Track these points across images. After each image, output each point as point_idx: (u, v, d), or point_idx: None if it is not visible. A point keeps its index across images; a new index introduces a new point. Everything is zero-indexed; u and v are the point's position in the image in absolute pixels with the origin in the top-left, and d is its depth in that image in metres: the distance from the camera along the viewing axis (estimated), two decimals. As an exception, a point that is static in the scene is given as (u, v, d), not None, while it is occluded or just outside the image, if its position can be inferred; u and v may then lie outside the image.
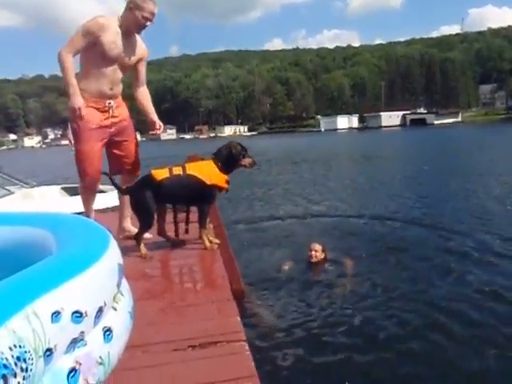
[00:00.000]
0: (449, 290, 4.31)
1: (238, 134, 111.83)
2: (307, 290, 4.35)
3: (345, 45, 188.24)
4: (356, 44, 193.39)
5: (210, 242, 3.03)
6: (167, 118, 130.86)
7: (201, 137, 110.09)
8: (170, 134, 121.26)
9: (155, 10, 2.94)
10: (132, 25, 2.89)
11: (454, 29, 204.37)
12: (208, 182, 3.06)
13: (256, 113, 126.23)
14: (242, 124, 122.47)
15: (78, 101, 2.74)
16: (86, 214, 3.05)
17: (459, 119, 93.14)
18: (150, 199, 3.00)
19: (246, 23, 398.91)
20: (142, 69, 3.27)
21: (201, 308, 1.99)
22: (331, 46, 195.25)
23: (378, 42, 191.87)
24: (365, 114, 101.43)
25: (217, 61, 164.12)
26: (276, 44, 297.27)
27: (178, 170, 3.12)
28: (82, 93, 2.79)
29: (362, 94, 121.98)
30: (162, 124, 3.47)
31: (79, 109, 2.73)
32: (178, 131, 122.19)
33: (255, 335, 3.25)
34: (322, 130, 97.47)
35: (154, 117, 3.41)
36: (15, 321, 0.78)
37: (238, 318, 1.79)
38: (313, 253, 4.83)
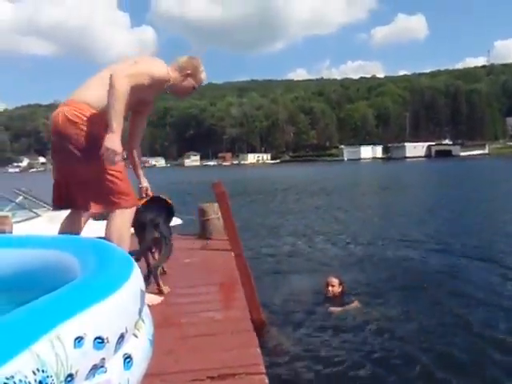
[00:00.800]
0: (477, 330, 4.16)
1: (260, 161, 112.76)
2: (325, 323, 4.26)
3: (369, 75, 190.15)
4: (380, 75, 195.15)
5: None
6: (191, 145, 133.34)
7: (224, 164, 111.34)
8: (194, 160, 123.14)
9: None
10: (180, 89, 2.56)
11: (479, 61, 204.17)
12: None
13: (279, 141, 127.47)
14: (265, 152, 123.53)
15: (119, 144, 2.14)
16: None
17: (486, 151, 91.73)
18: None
19: (271, 53, 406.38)
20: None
21: (220, 338, 1.96)
22: (355, 76, 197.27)
23: (402, 73, 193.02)
24: (389, 145, 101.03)
25: (242, 90, 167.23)
26: (300, 74, 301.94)
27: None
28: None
29: (386, 124, 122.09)
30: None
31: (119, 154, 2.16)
32: (202, 158, 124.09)
33: (275, 367, 3.19)
34: (345, 159, 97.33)
35: (142, 180, 2.87)
36: (39, 345, 0.79)
37: (258, 350, 1.76)
38: (330, 288, 4.76)
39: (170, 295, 2.56)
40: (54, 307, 0.92)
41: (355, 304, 4.65)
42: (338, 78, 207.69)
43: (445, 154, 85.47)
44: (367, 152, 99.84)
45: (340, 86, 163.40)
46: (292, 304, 4.75)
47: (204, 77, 2.63)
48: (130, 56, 2.55)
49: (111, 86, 2.12)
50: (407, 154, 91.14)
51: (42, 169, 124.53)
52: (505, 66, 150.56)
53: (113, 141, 2.09)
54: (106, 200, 2.23)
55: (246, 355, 1.72)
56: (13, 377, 0.70)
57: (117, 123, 2.11)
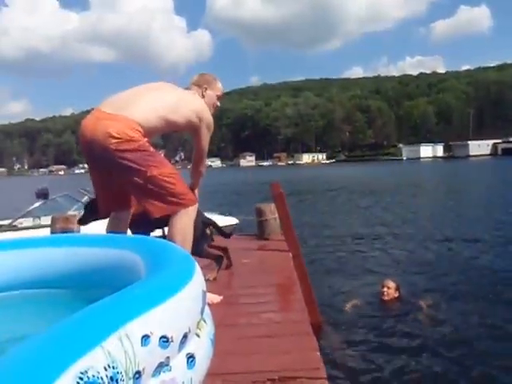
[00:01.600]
0: None
1: (316, 161, 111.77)
2: (381, 327, 4.18)
3: (429, 71, 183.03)
4: (441, 70, 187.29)
5: None
6: (247, 146, 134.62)
7: (279, 164, 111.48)
8: (250, 160, 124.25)
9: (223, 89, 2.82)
10: (209, 105, 2.67)
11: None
12: None
13: (335, 141, 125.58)
14: (320, 152, 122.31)
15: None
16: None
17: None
18: None
19: (326, 52, 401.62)
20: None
21: (279, 340, 1.95)
22: (414, 72, 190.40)
23: (465, 67, 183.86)
24: (451, 143, 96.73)
25: (296, 89, 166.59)
26: (356, 72, 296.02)
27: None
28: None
29: (447, 121, 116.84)
30: None
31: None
32: (257, 158, 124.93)
33: (333, 372, 3.15)
34: (404, 158, 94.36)
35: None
36: (110, 341, 0.81)
37: (319, 354, 1.73)
38: (385, 290, 4.64)
39: (228, 295, 2.59)
40: (122, 306, 0.95)
41: (411, 311, 4.53)
42: (396, 74, 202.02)
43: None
44: (427, 151, 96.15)
45: (398, 82, 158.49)
46: (347, 307, 4.68)
47: (221, 85, 2.77)
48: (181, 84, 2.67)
49: (202, 161, 2.73)
50: (471, 153, 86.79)
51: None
52: None
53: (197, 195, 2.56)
54: (170, 202, 2.28)
55: (306, 359, 1.69)
56: (86, 372, 0.72)
57: (198, 182, 2.69)
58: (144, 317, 0.93)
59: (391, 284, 4.70)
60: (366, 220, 12.26)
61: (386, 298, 4.62)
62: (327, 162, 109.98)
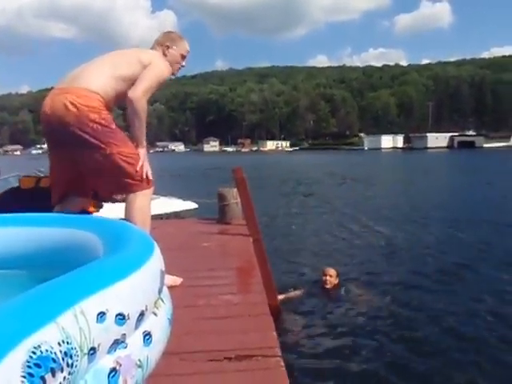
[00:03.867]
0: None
1: (280, 148, 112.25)
2: (324, 313, 4.44)
3: (392, 64, 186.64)
4: (403, 63, 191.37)
5: None
6: (211, 131, 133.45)
7: (243, 150, 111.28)
8: (214, 146, 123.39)
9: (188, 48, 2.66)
10: (172, 65, 2.54)
11: (506, 50, 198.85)
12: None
13: (299, 128, 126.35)
14: (284, 139, 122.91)
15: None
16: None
17: (510, 143, 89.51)
18: None
19: (292, 39, 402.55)
20: None
21: (237, 321, 1.99)
22: (377, 64, 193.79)
23: (426, 61, 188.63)
24: (410, 135, 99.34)
25: (262, 76, 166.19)
26: (321, 61, 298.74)
27: (45, 182, 2.88)
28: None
29: (408, 113, 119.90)
30: None
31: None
32: (221, 144, 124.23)
33: (289, 351, 3.25)
34: (366, 148, 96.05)
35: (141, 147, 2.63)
36: (64, 318, 0.81)
37: (275, 334, 1.77)
38: (327, 278, 4.81)
39: (188, 277, 2.60)
40: (78, 283, 0.95)
41: (349, 297, 4.74)
42: (360, 65, 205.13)
43: (468, 146, 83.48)
44: (388, 141, 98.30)
45: (362, 73, 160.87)
46: (302, 292, 4.82)
47: (186, 45, 2.61)
48: (138, 45, 2.50)
49: (134, 110, 2.22)
50: (429, 145, 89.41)
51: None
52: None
53: (145, 155, 2.31)
54: (128, 183, 2.22)
55: (262, 338, 1.73)
56: (39, 346, 0.72)
57: (143, 138, 2.32)
58: (100, 294, 0.93)
59: (332, 271, 4.86)
60: (327, 207, 12.51)
61: (328, 285, 4.78)
62: (291, 149, 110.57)
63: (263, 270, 3.02)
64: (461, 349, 3.69)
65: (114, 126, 2.20)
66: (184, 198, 7.85)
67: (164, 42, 2.55)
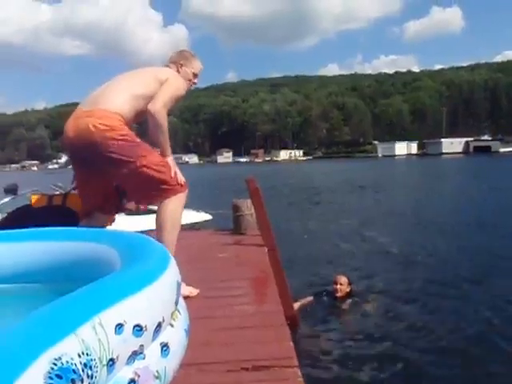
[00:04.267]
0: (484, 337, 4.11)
1: (293, 158, 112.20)
2: (337, 322, 4.46)
3: (404, 70, 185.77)
4: (415, 69, 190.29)
5: None
6: (224, 142, 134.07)
7: (256, 160, 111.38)
8: (227, 157, 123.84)
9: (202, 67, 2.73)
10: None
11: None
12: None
13: (312, 137, 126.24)
14: (297, 148, 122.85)
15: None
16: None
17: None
18: None
19: (302, 49, 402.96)
20: None
21: (254, 331, 1.99)
22: (390, 71, 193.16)
23: (438, 67, 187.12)
24: (424, 141, 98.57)
25: (274, 86, 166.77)
26: (332, 69, 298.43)
27: (57, 200, 3.00)
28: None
29: (422, 120, 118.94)
30: None
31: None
32: (234, 154, 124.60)
33: (306, 362, 3.25)
34: (380, 155, 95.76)
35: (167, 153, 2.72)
36: (83, 329, 0.83)
37: (292, 344, 1.77)
38: (338, 286, 4.76)
39: (204, 289, 2.61)
40: (96, 296, 0.97)
41: (361, 306, 4.71)
42: (372, 72, 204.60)
43: (484, 150, 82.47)
44: (402, 148, 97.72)
45: (374, 81, 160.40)
46: (320, 301, 4.80)
47: (199, 64, 2.69)
48: (156, 64, 2.59)
49: (155, 122, 2.30)
50: (444, 150, 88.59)
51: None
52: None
53: (174, 163, 2.39)
54: (161, 190, 2.30)
55: (279, 348, 1.73)
56: (60, 358, 0.74)
57: (168, 148, 2.40)
58: (118, 306, 0.95)
59: (343, 280, 4.82)
60: (340, 215, 12.44)
61: (339, 294, 4.74)
62: (304, 158, 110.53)
63: (279, 280, 3.01)
64: (478, 358, 3.63)
65: (138, 140, 2.29)
66: (198, 209, 7.89)
67: (178, 60, 2.63)
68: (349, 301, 4.75)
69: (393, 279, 5.90)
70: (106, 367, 0.86)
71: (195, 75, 2.68)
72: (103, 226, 2.64)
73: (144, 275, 1.13)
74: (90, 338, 0.83)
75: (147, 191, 2.35)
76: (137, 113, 2.36)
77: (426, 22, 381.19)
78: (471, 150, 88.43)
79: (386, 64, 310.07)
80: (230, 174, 39.63)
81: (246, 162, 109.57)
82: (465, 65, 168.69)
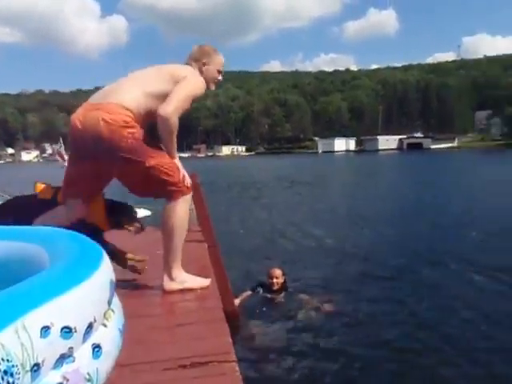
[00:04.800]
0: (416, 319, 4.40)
1: (235, 153, 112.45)
2: (277, 315, 4.47)
3: (343, 69, 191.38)
4: (354, 68, 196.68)
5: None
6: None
7: (198, 155, 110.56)
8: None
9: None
10: (206, 81, 2.50)
11: (449, 55, 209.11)
12: (88, 221, 2.64)
13: (254, 133, 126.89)
14: (240, 144, 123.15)
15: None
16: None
17: (455, 144, 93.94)
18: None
19: (245, 45, 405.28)
20: None
21: (192, 327, 1.98)
22: (329, 69, 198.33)
23: (374, 66, 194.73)
24: (362, 138, 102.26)
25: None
26: (274, 66, 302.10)
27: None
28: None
29: (359, 117, 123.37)
30: None
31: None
32: (176, 150, 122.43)
33: (247, 356, 3.27)
34: (320, 151, 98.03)
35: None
36: (4, 335, 0.78)
37: (230, 339, 1.77)
38: (274, 280, 4.80)
39: (142, 286, 2.56)
40: (20, 297, 0.91)
41: (298, 296, 4.82)
42: (312, 70, 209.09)
43: (416, 147, 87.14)
44: (341, 144, 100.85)
45: (314, 78, 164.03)
46: (257, 295, 4.84)
47: (221, 58, 2.61)
48: (172, 65, 2.49)
49: (164, 128, 2.24)
50: (380, 147, 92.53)
51: (10, 160, 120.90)
52: (475, 61, 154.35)
53: (181, 165, 2.38)
54: (169, 191, 2.28)
55: (217, 344, 1.73)
56: (-24, 366, 0.69)
57: (175, 150, 2.38)
58: (43, 308, 0.90)
59: (278, 272, 4.86)
60: (278, 210, 12.65)
61: (275, 287, 4.79)
62: (246, 154, 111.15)
63: (219, 275, 3.01)
64: (409, 350, 3.79)
65: (147, 140, 2.26)
66: (137, 205, 7.70)
67: (200, 58, 2.51)
68: (284, 293, 4.82)
69: (327, 271, 6.11)
70: (29, 373, 0.82)
71: (219, 72, 2.60)
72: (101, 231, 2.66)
73: (73, 274, 1.08)
74: (11, 343, 0.79)
75: (153, 190, 2.37)
76: (148, 111, 2.26)
77: (364, 23, 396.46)
78: (405, 146, 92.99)
79: (325, 62, 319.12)
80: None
81: (188, 157, 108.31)
82: (399, 65, 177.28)
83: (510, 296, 4.99)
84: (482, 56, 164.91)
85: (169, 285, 2.41)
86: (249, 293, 4.82)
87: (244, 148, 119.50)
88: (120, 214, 2.82)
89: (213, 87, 2.61)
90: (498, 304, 4.70)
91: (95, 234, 2.36)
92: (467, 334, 4.01)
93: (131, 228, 2.86)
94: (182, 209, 2.36)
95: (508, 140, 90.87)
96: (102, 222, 2.73)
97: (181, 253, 2.45)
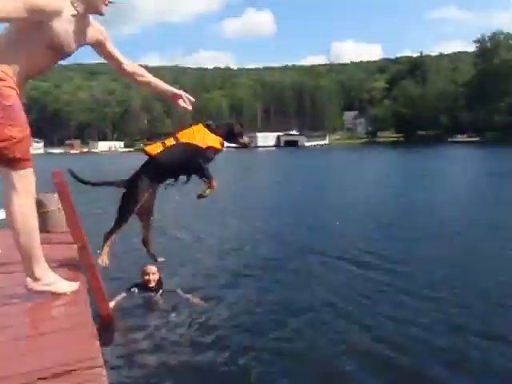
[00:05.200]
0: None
1: (113, 149, 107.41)
2: (155, 315, 4.47)
3: (223, 66, 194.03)
4: (233, 66, 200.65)
5: None
6: (33, 131, 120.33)
7: (72, 152, 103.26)
8: (37, 147, 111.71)
9: None
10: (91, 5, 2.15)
11: (320, 59, 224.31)
12: (203, 146, 3.14)
13: (133, 129, 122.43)
14: (117, 140, 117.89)
15: None
16: None
17: (327, 142, 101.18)
18: (145, 189, 3.14)
19: (123, 36, 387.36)
20: (112, 46, 2.47)
21: (56, 336, 1.85)
22: (209, 66, 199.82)
23: (253, 66, 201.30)
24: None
25: (92, 73, 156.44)
26: (153, 60, 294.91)
27: (170, 141, 3.16)
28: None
29: (239, 114, 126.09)
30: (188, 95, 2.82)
31: None
32: (46, 145, 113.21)
33: (120, 360, 3.18)
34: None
35: (171, 88, 2.86)
36: None
37: (97, 344, 1.70)
38: (150, 277, 4.75)
39: (3, 296, 2.34)
40: None
41: (179, 291, 4.86)
42: (193, 66, 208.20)
43: (292, 144, 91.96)
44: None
45: (195, 75, 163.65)
46: (133, 295, 4.72)
47: None
48: None
49: None
50: (259, 144, 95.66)
51: None
52: (343, 65, 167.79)
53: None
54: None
55: (83, 350, 1.65)
56: None
57: None
58: None
59: (152, 269, 4.79)
60: (158, 206, 12.47)
61: (152, 284, 4.74)
62: (125, 150, 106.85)
63: (91, 278, 2.87)
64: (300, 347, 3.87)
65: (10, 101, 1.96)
66: (-1, 206, 6.98)
67: None
68: (161, 291, 4.76)
69: (200, 267, 6.17)
70: None
71: None
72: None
73: None
74: None
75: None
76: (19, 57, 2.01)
77: (242, 22, 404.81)
78: (282, 143, 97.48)
79: (206, 59, 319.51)
80: (40, 166, 35.93)
81: (61, 153, 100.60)
82: (276, 65, 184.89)
83: (364, 277, 5.56)
84: (348, 61, 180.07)
85: (32, 285, 2.21)
86: (123, 294, 4.65)
87: (122, 144, 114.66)
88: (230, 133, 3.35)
89: (103, 10, 2.22)
90: (359, 286, 5.22)
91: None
92: (330, 315, 4.39)
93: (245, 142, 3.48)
94: (25, 189, 2.07)
95: (372, 138, 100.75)
96: (216, 143, 3.23)
97: (40, 250, 2.21)
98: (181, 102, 2.87)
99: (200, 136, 3.16)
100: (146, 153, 3.12)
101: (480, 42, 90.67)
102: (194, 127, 3.25)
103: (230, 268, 6.13)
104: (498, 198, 12.40)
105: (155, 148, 3.11)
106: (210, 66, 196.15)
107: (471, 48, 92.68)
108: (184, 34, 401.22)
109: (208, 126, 3.24)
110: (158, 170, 3.16)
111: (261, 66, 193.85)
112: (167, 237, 8.05)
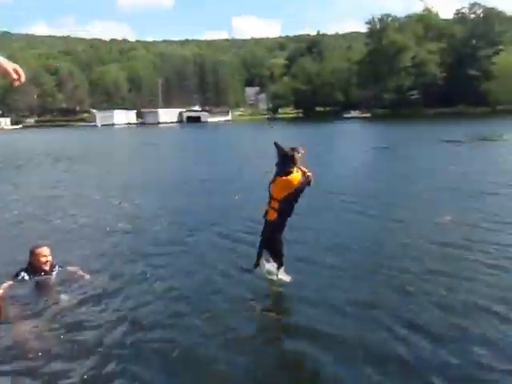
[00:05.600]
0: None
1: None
2: (53, 296, 4.49)
3: (120, 38, 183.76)
4: (131, 39, 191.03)
5: None
6: None
7: None
8: None
9: None
10: None
11: (222, 34, 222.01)
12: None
13: (21, 104, 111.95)
14: (3, 116, 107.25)
15: None
16: None
17: (229, 118, 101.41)
18: None
19: (4, 1, 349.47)
20: None
21: None
22: (105, 38, 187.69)
23: (152, 39, 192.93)
24: (142, 110, 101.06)
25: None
26: (40, 29, 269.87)
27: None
28: None
29: (139, 89, 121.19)
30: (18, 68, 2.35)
31: None
32: None
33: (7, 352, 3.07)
34: (99, 125, 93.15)
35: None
36: None
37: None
38: (44, 259, 4.60)
39: None
40: None
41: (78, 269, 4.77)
42: (87, 37, 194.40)
43: (195, 120, 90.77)
44: (121, 117, 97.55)
45: (89, 46, 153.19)
46: (23, 281, 4.50)
47: None
48: None
49: None
50: (160, 120, 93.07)
51: None
52: (244, 41, 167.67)
53: None
54: None
55: None
56: None
57: None
58: None
59: (47, 250, 4.65)
60: (42, 190, 11.82)
61: (47, 267, 4.59)
62: (12, 127, 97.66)
63: None
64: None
65: None
66: None
67: None
68: (56, 271, 4.61)
69: (90, 247, 6.06)
70: None
71: None
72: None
73: None
74: None
75: None
76: None
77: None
78: (185, 119, 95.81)
79: (101, 30, 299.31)
80: None
81: None
82: (176, 39, 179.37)
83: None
84: (249, 37, 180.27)
85: None
86: (10, 282, 4.39)
87: (8, 120, 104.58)
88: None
89: None
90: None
91: None
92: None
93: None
94: None
95: (273, 114, 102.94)
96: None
97: None
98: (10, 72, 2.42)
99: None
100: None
101: (370, 23, 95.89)
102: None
103: (130, 246, 6.07)
104: (378, 169, 13.59)
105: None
106: (106, 38, 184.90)
107: (364, 29, 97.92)
108: (75, 1, 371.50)
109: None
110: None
111: (160, 39, 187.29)
112: (50, 223, 7.73)
